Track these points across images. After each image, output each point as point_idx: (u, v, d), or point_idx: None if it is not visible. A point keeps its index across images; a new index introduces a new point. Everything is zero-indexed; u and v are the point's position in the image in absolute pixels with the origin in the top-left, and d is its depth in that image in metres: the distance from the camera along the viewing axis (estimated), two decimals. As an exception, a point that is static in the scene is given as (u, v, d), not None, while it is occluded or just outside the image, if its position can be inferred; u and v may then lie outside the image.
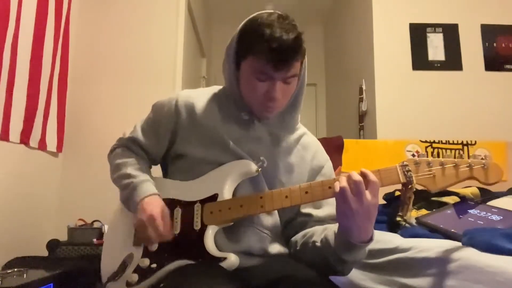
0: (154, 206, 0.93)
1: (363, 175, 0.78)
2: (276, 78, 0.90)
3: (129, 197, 0.98)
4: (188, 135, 1.01)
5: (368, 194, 0.76)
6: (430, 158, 0.85)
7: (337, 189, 0.78)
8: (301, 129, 1.10)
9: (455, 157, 0.86)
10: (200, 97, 1.05)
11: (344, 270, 0.88)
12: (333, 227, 0.87)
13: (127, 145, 1.08)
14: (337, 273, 0.90)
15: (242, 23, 0.95)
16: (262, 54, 0.87)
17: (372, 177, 0.78)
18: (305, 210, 1.01)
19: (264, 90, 0.91)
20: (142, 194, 0.95)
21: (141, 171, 1.02)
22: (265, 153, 0.99)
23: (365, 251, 0.85)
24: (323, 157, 1.08)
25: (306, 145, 1.07)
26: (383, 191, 1.55)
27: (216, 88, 1.09)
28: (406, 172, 0.84)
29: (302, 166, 1.03)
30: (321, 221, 0.99)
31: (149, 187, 0.98)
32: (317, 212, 1.00)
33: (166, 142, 1.04)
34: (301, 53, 0.90)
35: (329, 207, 0.99)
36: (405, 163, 0.85)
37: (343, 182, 0.78)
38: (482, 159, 0.84)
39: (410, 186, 0.83)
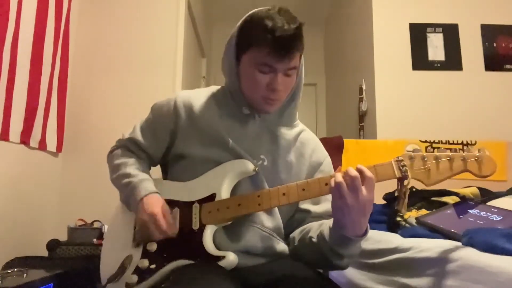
0: (154, 204, 0.94)
1: (359, 171, 0.79)
2: (278, 70, 0.91)
3: (129, 196, 0.98)
4: (187, 135, 1.01)
5: (364, 190, 0.77)
6: (424, 153, 0.86)
7: (333, 184, 0.78)
8: (300, 126, 1.10)
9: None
10: (199, 97, 1.05)
11: (341, 264, 0.88)
12: (329, 223, 0.88)
13: (126, 146, 1.08)
14: (335, 268, 0.90)
15: (242, 18, 0.96)
16: (265, 44, 0.88)
17: (368, 173, 0.79)
18: (304, 206, 1.01)
19: (266, 82, 0.92)
20: (142, 193, 0.96)
21: (140, 171, 1.02)
22: (265, 151, 1.00)
23: (360, 245, 0.86)
24: (321, 154, 1.08)
25: (304, 141, 1.07)
26: (382, 189, 1.56)
27: (214, 88, 1.09)
28: (401, 167, 0.84)
29: (301, 162, 1.03)
30: (319, 217, 0.99)
31: (148, 186, 0.98)
32: (315, 208, 1.01)
33: (165, 142, 1.05)
34: (302, 44, 0.91)
35: (327, 203, 0.99)
36: (400, 158, 0.86)
37: (339, 177, 0.78)
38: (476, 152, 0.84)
39: (405, 181, 0.84)
